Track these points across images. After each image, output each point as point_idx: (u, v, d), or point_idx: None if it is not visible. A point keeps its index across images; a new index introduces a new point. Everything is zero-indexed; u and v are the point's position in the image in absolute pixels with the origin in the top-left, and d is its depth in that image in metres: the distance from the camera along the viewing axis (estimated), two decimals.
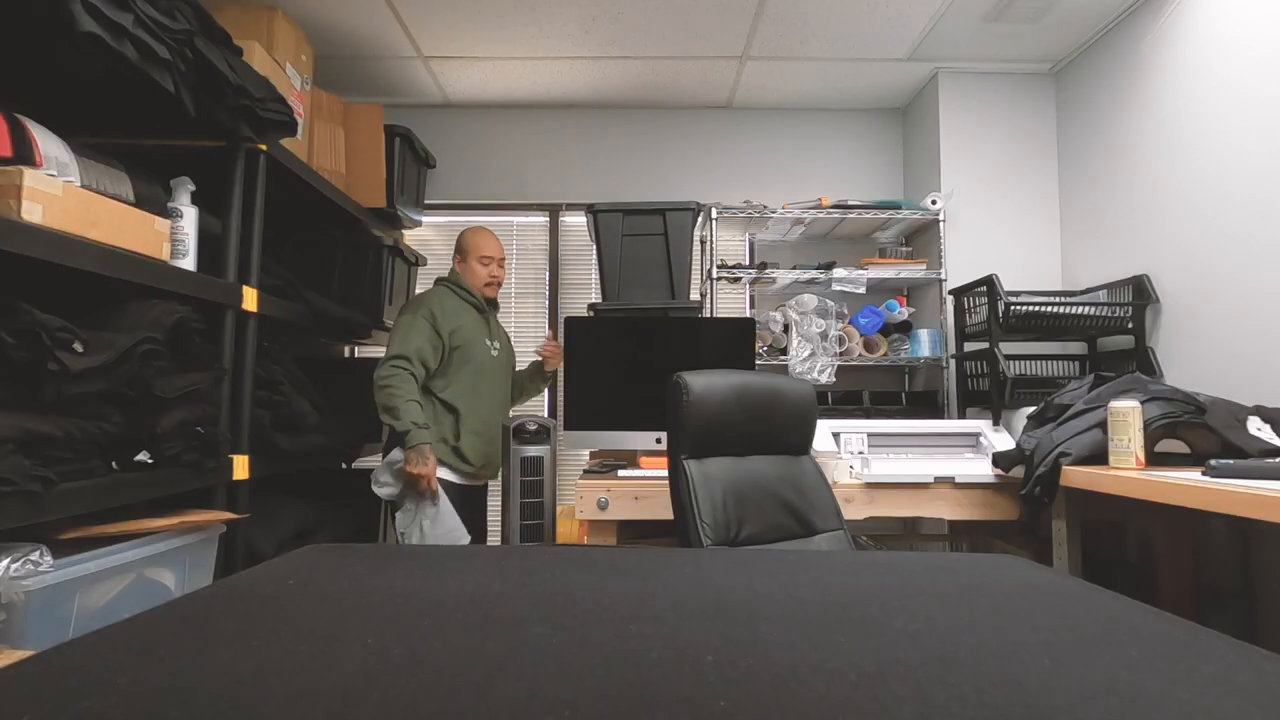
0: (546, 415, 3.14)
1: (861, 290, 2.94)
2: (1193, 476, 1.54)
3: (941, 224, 2.95)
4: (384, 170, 2.78)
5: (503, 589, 0.35)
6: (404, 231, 3.27)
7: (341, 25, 2.68)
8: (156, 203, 1.57)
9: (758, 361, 2.75)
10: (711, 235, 2.94)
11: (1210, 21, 2.20)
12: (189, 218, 1.63)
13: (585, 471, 2.27)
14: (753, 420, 1.54)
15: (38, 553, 1.10)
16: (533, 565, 0.41)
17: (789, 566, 0.42)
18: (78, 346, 1.20)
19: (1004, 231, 3.00)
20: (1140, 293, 2.39)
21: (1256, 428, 1.75)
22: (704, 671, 0.24)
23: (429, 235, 3.40)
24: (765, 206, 2.99)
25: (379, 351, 3.07)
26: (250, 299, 1.80)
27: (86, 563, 1.19)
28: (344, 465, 2.55)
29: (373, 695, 0.22)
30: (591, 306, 2.61)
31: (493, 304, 2.41)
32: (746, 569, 0.41)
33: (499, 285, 2.41)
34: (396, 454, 2.09)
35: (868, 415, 2.82)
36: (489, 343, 2.33)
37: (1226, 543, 2.08)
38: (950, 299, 2.83)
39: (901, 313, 3.06)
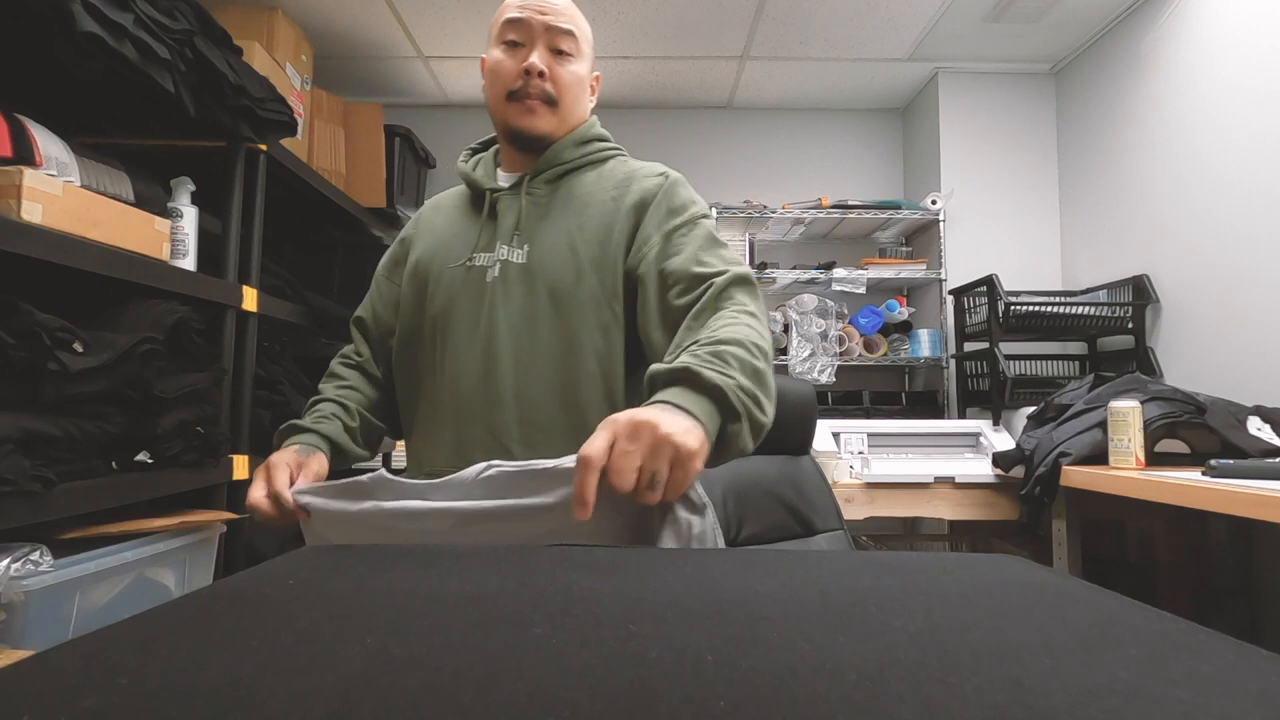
0: None
1: (861, 290, 2.94)
2: (1193, 476, 1.54)
3: (941, 224, 2.95)
4: (384, 170, 2.78)
5: (503, 589, 0.35)
6: None
7: (341, 25, 2.68)
8: (156, 203, 1.57)
9: None
10: None
11: (1210, 21, 2.20)
12: (189, 218, 1.63)
13: None
14: None
15: (38, 553, 1.10)
16: (533, 565, 0.41)
17: (789, 566, 0.42)
18: (78, 346, 1.20)
19: (1004, 231, 3.00)
20: (1140, 293, 2.40)
21: (1256, 428, 1.75)
22: (704, 671, 0.24)
23: None
24: (765, 206, 3.00)
25: None
26: (250, 299, 1.80)
27: (86, 563, 1.19)
28: None
29: (372, 695, 0.22)
30: None
31: (530, 143, 1.07)
32: (746, 569, 0.41)
33: (546, 95, 1.04)
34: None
35: (868, 415, 2.82)
36: (482, 259, 1.04)
37: (1227, 543, 2.08)
38: (950, 299, 2.83)
39: (901, 313, 3.06)
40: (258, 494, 0.90)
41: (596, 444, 0.67)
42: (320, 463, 0.98)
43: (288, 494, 0.88)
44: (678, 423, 0.70)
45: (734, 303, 0.90)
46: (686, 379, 0.77)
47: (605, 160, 1.12)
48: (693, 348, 0.82)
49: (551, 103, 1.05)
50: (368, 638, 0.27)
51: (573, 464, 0.68)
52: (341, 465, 1.02)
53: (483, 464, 0.75)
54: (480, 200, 1.10)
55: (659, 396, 0.76)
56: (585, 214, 1.04)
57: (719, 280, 0.91)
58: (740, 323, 0.86)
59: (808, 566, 0.42)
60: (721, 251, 0.98)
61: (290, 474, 0.92)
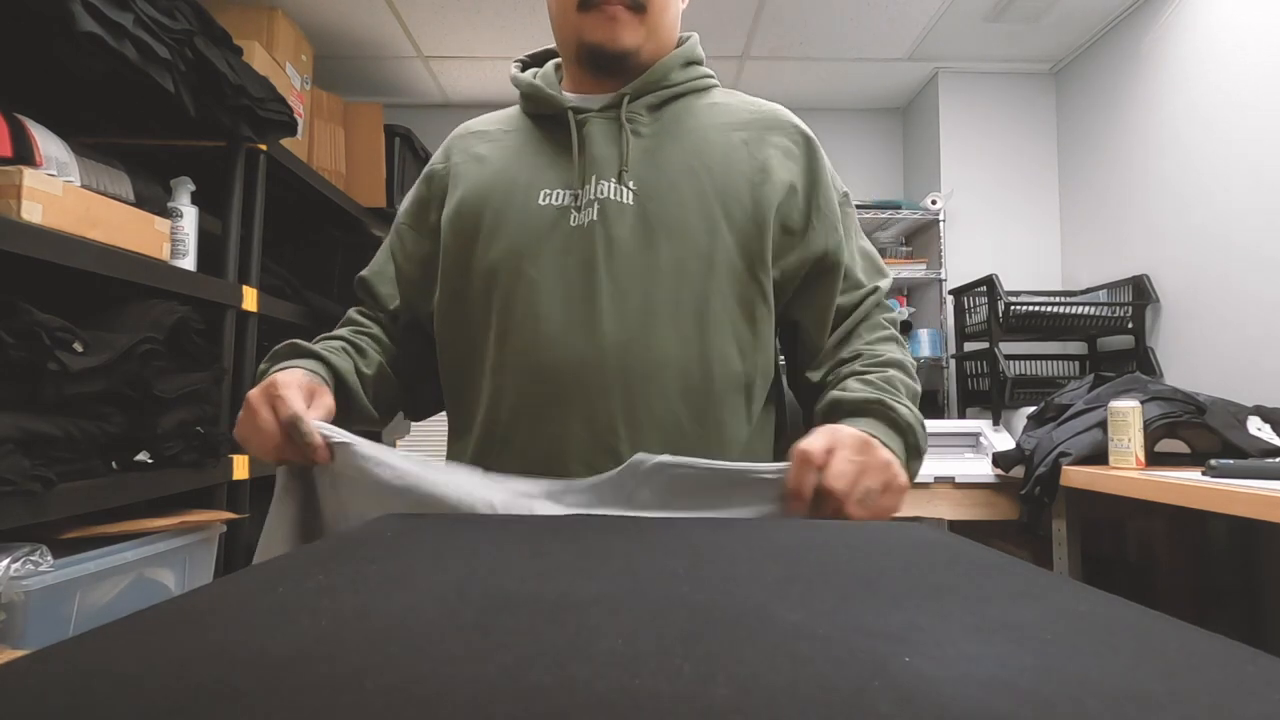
0: None
1: None
2: (1193, 476, 1.54)
3: (941, 224, 2.95)
4: (384, 170, 2.78)
5: (507, 581, 0.35)
6: None
7: (341, 25, 2.68)
8: (156, 203, 1.57)
9: None
10: None
11: (1210, 21, 2.20)
12: (189, 218, 1.63)
13: None
14: None
15: (38, 553, 1.10)
16: (534, 553, 0.41)
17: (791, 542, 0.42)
18: (78, 346, 1.20)
19: (1004, 231, 3.00)
20: (1140, 293, 2.39)
21: (1256, 428, 1.75)
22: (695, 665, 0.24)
23: None
24: None
25: None
26: (250, 299, 1.80)
27: (86, 563, 1.19)
28: None
29: (375, 693, 0.22)
30: None
31: (610, 62, 0.85)
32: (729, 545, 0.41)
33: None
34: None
35: None
36: (565, 197, 0.81)
37: (1227, 543, 2.08)
38: (950, 299, 2.83)
39: (901, 313, 3.06)
40: (265, 417, 0.66)
41: (817, 443, 0.66)
42: (330, 400, 0.74)
43: (310, 423, 0.65)
44: (890, 453, 0.71)
45: (886, 314, 0.91)
46: (880, 412, 0.76)
47: (708, 89, 0.91)
48: (862, 372, 0.82)
49: (638, 8, 0.83)
50: (373, 633, 0.28)
51: (772, 474, 0.64)
52: (341, 421, 0.72)
53: (642, 457, 0.62)
54: (552, 123, 0.87)
55: (852, 426, 0.73)
56: (708, 153, 0.83)
57: (882, 289, 0.93)
58: (896, 339, 0.89)
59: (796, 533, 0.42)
60: (867, 246, 1.00)
61: (304, 399, 0.69)
